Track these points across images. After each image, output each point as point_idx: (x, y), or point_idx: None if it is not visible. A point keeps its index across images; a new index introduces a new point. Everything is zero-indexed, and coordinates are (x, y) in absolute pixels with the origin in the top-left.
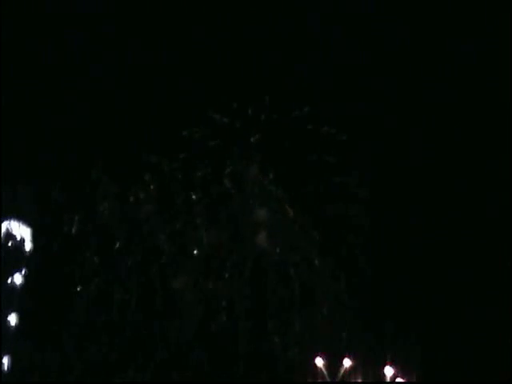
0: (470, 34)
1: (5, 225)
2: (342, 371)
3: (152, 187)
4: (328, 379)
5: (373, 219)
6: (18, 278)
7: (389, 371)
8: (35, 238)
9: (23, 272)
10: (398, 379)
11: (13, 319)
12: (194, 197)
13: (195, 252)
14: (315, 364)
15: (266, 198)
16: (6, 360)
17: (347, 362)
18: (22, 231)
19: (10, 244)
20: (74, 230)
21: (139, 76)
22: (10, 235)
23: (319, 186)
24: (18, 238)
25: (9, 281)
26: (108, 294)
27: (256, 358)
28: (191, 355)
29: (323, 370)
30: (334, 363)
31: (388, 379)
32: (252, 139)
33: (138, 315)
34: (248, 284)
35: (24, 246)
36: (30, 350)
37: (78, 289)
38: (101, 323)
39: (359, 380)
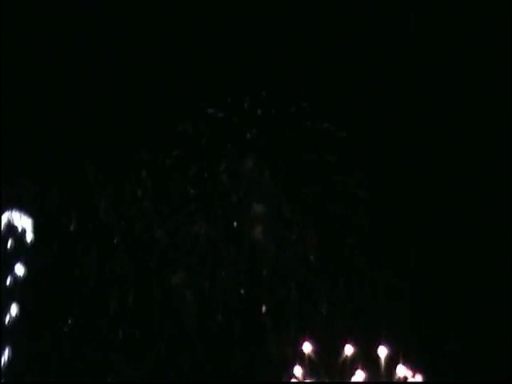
0: (470, 34)
1: (6, 215)
2: (342, 359)
3: (148, 184)
4: (318, 367)
5: (373, 219)
6: (19, 270)
7: (383, 351)
8: (36, 230)
9: (24, 263)
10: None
11: (14, 311)
12: (190, 191)
13: (191, 248)
14: (303, 350)
15: (262, 195)
16: (5, 353)
17: (349, 349)
18: (23, 222)
19: (11, 235)
20: (72, 228)
21: (134, 71)
22: (11, 226)
23: (317, 185)
24: (20, 229)
25: (10, 272)
26: (106, 291)
27: (252, 358)
28: (188, 354)
29: (312, 356)
30: (327, 349)
31: (383, 360)
32: (248, 135)
33: (135, 312)
34: (244, 282)
35: (26, 237)
36: (29, 344)
37: (75, 285)
38: (98, 320)
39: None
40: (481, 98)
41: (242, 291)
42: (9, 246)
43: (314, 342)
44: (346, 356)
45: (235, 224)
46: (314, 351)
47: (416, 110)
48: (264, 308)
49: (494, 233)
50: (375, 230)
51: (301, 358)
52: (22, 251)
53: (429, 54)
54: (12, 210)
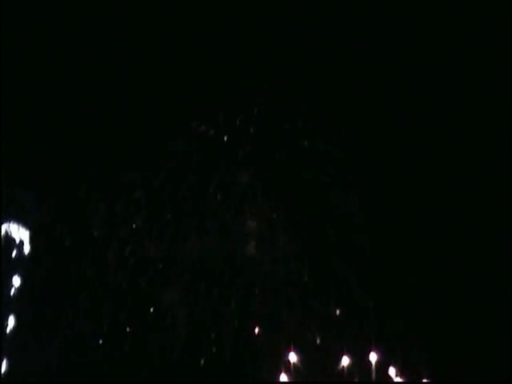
0: (470, 34)
1: (4, 227)
2: (338, 370)
3: (140, 202)
4: (305, 377)
5: (370, 240)
6: (16, 281)
7: (373, 357)
8: (33, 242)
9: (21, 275)
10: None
11: (11, 322)
12: (182, 209)
13: (184, 266)
14: (288, 360)
15: (255, 213)
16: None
17: (345, 361)
18: (21, 234)
19: (8, 247)
20: (66, 243)
21: (125, 89)
22: (8, 238)
23: (312, 203)
24: (17, 241)
25: (7, 284)
26: (98, 308)
27: (245, 378)
28: (179, 372)
29: (299, 366)
30: (319, 365)
31: (374, 366)
32: (240, 153)
33: (127, 329)
34: (237, 300)
35: (23, 248)
36: (23, 356)
37: (68, 300)
38: (89, 335)
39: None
40: (481, 98)
41: (235, 309)
42: (7, 258)
43: (306, 359)
44: (341, 368)
45: (228, 242)
46: (305, 366)
47: (417, 131)
48: (257, 328)
49: (494, 233)
50: (372, 250)
51: (291, 372)
52: (20, 263)
53: (429, 54)
54: (10, 221)
